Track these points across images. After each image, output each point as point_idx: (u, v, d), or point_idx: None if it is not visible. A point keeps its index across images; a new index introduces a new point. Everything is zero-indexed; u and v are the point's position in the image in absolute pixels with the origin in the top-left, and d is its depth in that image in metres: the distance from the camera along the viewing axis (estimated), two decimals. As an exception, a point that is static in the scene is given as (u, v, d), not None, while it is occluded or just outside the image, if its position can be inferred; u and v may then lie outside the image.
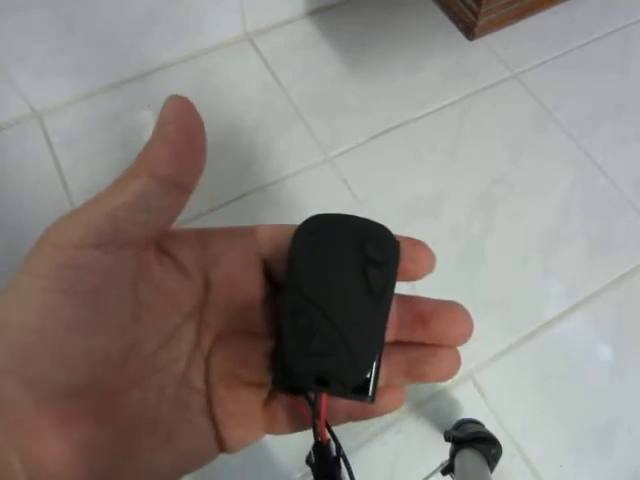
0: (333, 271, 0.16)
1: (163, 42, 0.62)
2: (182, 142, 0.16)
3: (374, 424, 0.45)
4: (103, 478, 0.16)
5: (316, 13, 0.69)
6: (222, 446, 0.18)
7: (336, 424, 0.17)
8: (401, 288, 0.16)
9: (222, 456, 0.18)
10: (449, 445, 0.41)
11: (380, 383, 0.17)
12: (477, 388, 0.47)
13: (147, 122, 0.60)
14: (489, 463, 0.39)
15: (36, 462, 0.15)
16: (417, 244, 0.18)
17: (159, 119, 0.16)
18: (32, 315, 0.15)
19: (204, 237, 0.18)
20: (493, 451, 0.41)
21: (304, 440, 0.46)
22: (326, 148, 0.59)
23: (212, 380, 0.18)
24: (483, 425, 0.43)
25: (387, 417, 0.45)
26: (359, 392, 0.16)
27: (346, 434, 0.44)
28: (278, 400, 0.18)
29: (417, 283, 0.19)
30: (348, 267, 0.16)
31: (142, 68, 0.63)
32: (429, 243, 0.18)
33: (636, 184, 0.58)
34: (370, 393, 0.16)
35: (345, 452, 0.17)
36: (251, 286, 0.18)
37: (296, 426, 0.18)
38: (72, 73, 0.59)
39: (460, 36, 0.46)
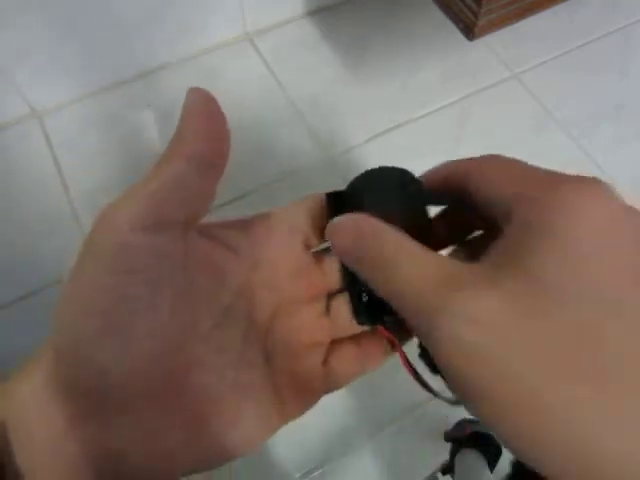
0: (388, 201, 0.20)
1: (163, 42, 0.62)
2: (209, 126, 0.18)
3: (374, 424, 0.45)
4: (166, 461, 0.16)
5: (316, 13, 0.69)
6: (284, 418, 0.19)
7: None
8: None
9: None
10: (449, 445, 0.41)
11: None
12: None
13: (147, 122, 0.60)
14: (489, 463, 0.39)
15: (102, 446, 0.16)
16: None
17: (184, 108, 0.18)
18: (97, 297, 0.15)
19: (242, 222, 0.20)
20: (493, 451, 0.41)
21: (304, 440, 0.46)
22: (326, 148, 0.59)
23: (271, 353, 0.19)
24: (483, 425, 0.43)
25: (387, 417, 0.45)
26: None
27: (346, 434, 0.44)
28: (335, 353, 0.19)
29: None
30: (397, 198, 0.20)
31: (142, 68, 0.63)
32: None
33: (636, 184, 0.58)
34: None
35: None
36: (295, 260, 0.20)
37: (353, 374, 0.20)
38: (72, 73, 0.59)
39: (460, 36, 0.46)
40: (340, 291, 0.20)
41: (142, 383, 0.16)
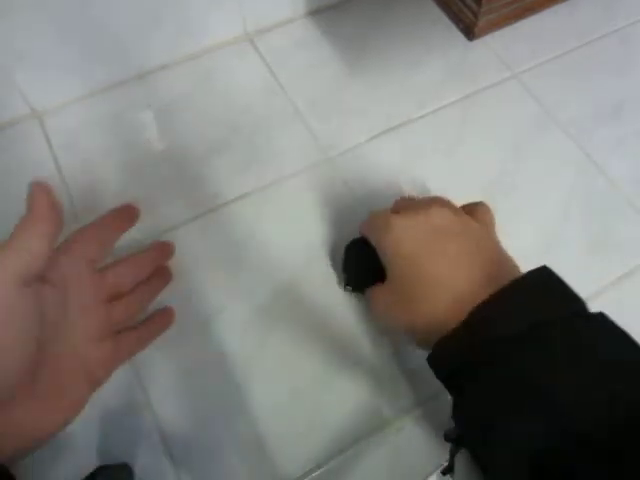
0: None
1: (163, 42, 0.62)
2: (49, 213, 0.34)
3: (374, 424, 0.45)
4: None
5: (316, 13, 0.69)
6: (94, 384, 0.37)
7: None
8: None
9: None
10: (449, 445, 0.41)
11: None
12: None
13: (147, 122, 0.60)
14: (489, 463, 0.39)
15: None
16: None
17: (29, 199, 0.34)
18: None
19: (53, 257, 0.33)
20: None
21: (304, 440, 0.46)
22: (326, 148, 0.59)
23: (90, 341, 0.36)
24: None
25: (387, 417, 0.45)
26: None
27: (344, 434, 0.44)
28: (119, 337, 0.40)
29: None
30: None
31: (142, 68, 0.63)
32: None
33: (636, 184, 0.58)
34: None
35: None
36: (89, 279, 0.38)
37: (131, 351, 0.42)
38: (72, 73, 0.59)
39: (460, 36, 0.46)
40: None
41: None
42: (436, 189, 0.56)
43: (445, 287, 0.36)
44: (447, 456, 0.41)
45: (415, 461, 0.44)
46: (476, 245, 0.39)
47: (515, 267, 0.37)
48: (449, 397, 0.37)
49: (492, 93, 0.64)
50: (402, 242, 0.38)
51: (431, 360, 0.37)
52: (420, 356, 0.47)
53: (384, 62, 0.66)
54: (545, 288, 0.34)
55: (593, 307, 0.34)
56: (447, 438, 0.42)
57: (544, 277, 0.35)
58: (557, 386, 0.29)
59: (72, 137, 0.59)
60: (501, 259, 0.39)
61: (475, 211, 0.42)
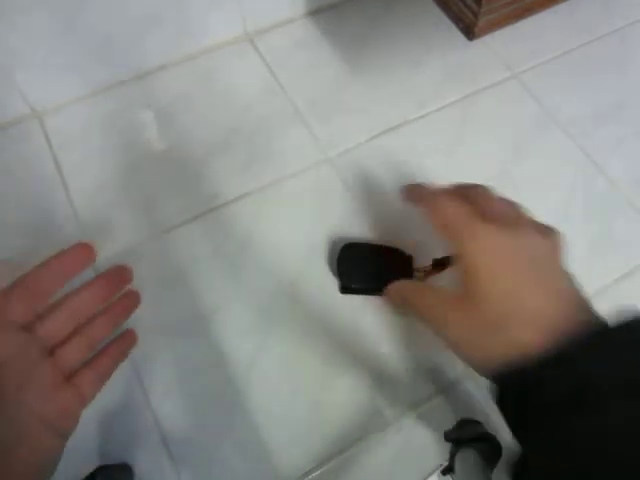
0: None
1: (163, 42, 0.62)
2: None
3: (374, 424, 0.45)
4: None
5: (316, 13, 0.69)
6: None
7: None
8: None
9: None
10: (449, 445, 0.41)
11: None
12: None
13: (147, 122, 0.60)
14: (489, 463, 0.39)
15: None
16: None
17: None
18: None
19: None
20: (493, 451, 0.41)
21: (304, 440, 0.46)
22: (326, 148, 0.59)
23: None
24: (483, 425, 0.43)
25: (387, 417, 0.45)
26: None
27: (344, 434, 0.44)
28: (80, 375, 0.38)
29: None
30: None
31: (142, 68, 0.63)
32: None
33: (636, 184, 0.58)
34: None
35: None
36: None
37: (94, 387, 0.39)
38: (72, 73, 0.59)
39: (460, 36, 0.46)
40: None
41: None
42: (436, 189, 0.56)
43: (534, 315, 0.32)
44: (447, 456, 0.41)
45: (415, 461, 0.44)
46: (560, 272, 0.36)
47: (586, 297, 0.35)
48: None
49: (492, 93, 0.64)
50: (493, 259, 0.34)
51: (506, 386, 0.33)
52: (420, 356, 0.47)
53: (384, 62, 0.66)
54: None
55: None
56: (447, 438, 0.42)
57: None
58: None
59: (72, 137, 0.59)
60: (577, 287, 0.36)
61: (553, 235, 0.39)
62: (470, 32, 0.44)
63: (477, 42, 0.45)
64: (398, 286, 0.44)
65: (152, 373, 0.46)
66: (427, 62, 0.65)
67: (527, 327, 0.32)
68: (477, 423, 0.44)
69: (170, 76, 0.64)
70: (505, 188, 0.57)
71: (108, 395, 0.43)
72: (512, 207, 0.40)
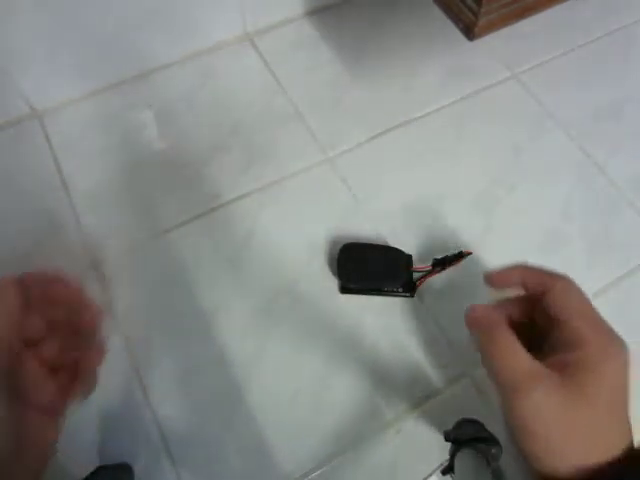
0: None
1: (163, 42, 0.62)
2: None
3: (374, 424, 0.45)
4: None
5: (316, 13, 0.69)
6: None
7: None
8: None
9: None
10: (449, 445, 0.41)
11: None
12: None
13: (147, 122, 0.60)
14: (489, 463, 0.39)
15: None
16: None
17: None
18: None
19: None
20: (493, 451, 0.41)
21: (304, 440, 0.46)
22: (326, 148, 0.59)
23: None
24: (483, 425, 0.43)
25: (387, 417, 0.45)
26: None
27: (344, 434, 0.44)
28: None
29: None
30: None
31: (142, 68, 0.63)
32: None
33: (636, 184, 0.58)
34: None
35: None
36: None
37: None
38: (72, 73, 0.59)
39: (460, 36, 0.46)
40: None
41: None
42: (436, 189, 0.56)
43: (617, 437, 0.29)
44: (447, 456, 0.41)
45: (415, 461, 0.44)
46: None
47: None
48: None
49: (492, 93, 0.64)
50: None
51: None
52: (420, 356, 0.47)
53: (384, 62, 0.66)
54: None
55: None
56: (447, 438, 0.42)
57: None
58: None
59: (72, 137, 0.59)
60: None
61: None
62: (470, 32, 0.44)
63: (477, 42, 0.45)
64: (481, 312, 0.31)
65: (152, 373, 0.46)
66: (427, 62, 0.65)
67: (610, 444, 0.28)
68: (477, 423, 0.44)
69: (170, 76, 0.64)
70: (505, 188, 0.57)
71: (108, 395, 0.43)
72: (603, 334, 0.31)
